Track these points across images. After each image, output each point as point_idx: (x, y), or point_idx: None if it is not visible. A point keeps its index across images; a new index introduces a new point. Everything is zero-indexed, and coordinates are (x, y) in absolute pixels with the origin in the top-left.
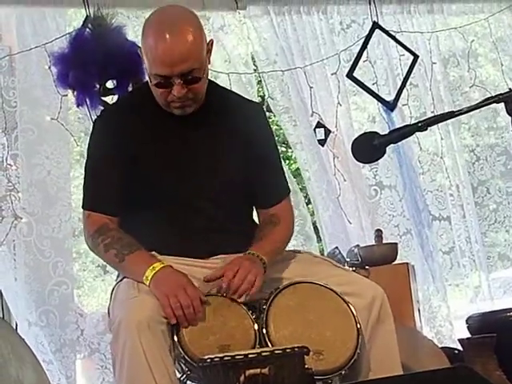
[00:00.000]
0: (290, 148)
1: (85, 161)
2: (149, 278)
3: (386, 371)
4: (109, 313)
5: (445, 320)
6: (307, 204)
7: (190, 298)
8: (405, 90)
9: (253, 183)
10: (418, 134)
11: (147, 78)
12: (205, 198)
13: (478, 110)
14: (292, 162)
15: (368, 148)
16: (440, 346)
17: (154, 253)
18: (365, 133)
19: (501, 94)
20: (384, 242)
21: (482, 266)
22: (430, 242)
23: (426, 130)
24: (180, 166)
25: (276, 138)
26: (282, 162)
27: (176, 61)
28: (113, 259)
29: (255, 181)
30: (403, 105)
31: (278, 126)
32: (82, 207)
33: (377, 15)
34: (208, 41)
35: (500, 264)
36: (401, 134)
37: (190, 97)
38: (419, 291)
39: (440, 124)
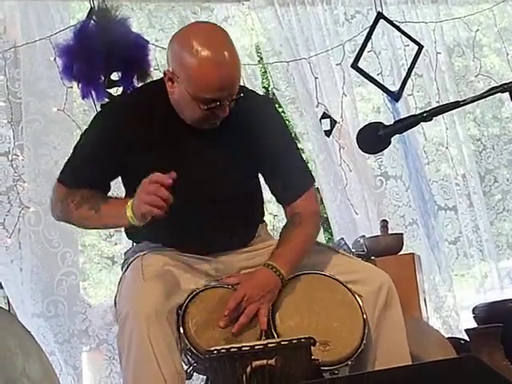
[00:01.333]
0: (297, 139)
1: (77, 141)
2: (130, 212)
3: (395, 357)
4: (115, 303)
5: (451, 310)
6: None
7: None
8: (410, 80)
9: (270, 181)
10: (423, 124)
11: (178, 95)
12: (210, 202)
13: (483, 100)
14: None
15: (373, 138)
16: (447, 336)
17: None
18: (370, 123)
19: (505, 84)
20: (390, 232)
21: (490, 255)
22: (436, 232)
23: (431, 120)
24: (186, 168)
25: None
26: (301, 155)
27: (234, 83)
28: (88, 213)
29: (272, 179)
30: (408, 95)
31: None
32: (59, 179)
33: (381, 5)
34: None
35: (509, 253)
36: (406, 124)
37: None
38: (425, 281)
39: (445, 114)
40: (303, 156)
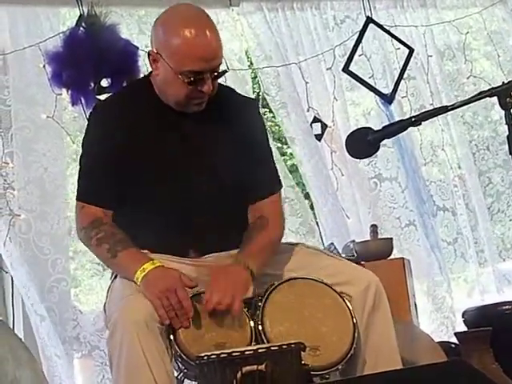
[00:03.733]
0: (286, 144)
1: (80, 154)
2: (139, 280)
3: (384, 360)
4: (105, 310)
5: (449, 311)
6: (305, 198)
7: (180, 300)
8: (403, 83)
9: (243, 177)
10: None
11: (163, 74)
12: (198, 196)
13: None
14: (288, 158)
15: (362, 143)
16: (443, 338)
17: (146, 251)
18: (359, 128)
19: (493, 88)
20: (384, 235)
21: (487, 257)
22: (435, 232)
23: (420, 124)
24: (175, 164)
25: (272, 135)
26: (274, 160)
27: (214, 55)
28: (105, 254)
29: (245, 174)
30: (402, 97)
31: (272, 121)
32: (77, 199)
33: (370, 10)
34: None
35: (504, 254)
36: (394, 129)
37: (211, 92)
38: (424, 282)
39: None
40: (292, 162)
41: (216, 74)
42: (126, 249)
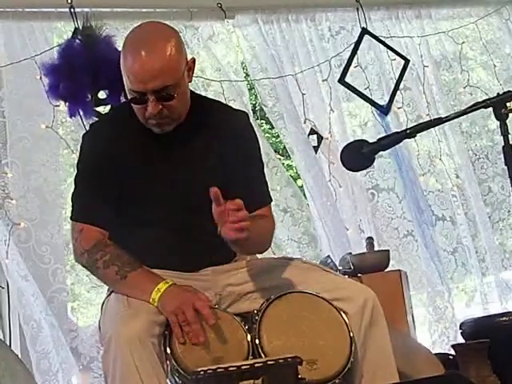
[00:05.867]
0: (284, 155)
1: (74, 175)
2: (156, 301)
3: (382, 374)
4: (100, 327)
5: (450, 322)
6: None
7: (197, 310)
8: (399, 94)
9: (236, 190)
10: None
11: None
12: (190, 212)
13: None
14: (285, 169)
15: (357, 156)
16: (445, 349)
17: (156, 270)
18: (354, 141)
19: (489, 99)
20: (382, 246)
21: (488, 265)
22: (435, 242)
23: (415, 136)
24: (165, 182)
25: (269, 146)
26: (265, 174)
27: (148, 78)
28: (113, 276)
29: (238, 188)
30: (398, 108)
31: (269, 133)
32: (72, 218)
33: (365, 21)
34: (189, 59)
35: (506, 263)
36: (389, 141)
37: (165, 114)
38: (424, 293)
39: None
40: (289, 173)
41: (162, 95)
42: (136, 269)
